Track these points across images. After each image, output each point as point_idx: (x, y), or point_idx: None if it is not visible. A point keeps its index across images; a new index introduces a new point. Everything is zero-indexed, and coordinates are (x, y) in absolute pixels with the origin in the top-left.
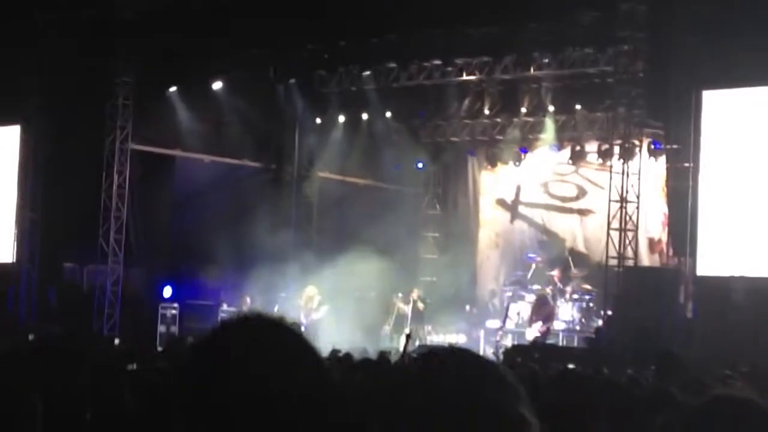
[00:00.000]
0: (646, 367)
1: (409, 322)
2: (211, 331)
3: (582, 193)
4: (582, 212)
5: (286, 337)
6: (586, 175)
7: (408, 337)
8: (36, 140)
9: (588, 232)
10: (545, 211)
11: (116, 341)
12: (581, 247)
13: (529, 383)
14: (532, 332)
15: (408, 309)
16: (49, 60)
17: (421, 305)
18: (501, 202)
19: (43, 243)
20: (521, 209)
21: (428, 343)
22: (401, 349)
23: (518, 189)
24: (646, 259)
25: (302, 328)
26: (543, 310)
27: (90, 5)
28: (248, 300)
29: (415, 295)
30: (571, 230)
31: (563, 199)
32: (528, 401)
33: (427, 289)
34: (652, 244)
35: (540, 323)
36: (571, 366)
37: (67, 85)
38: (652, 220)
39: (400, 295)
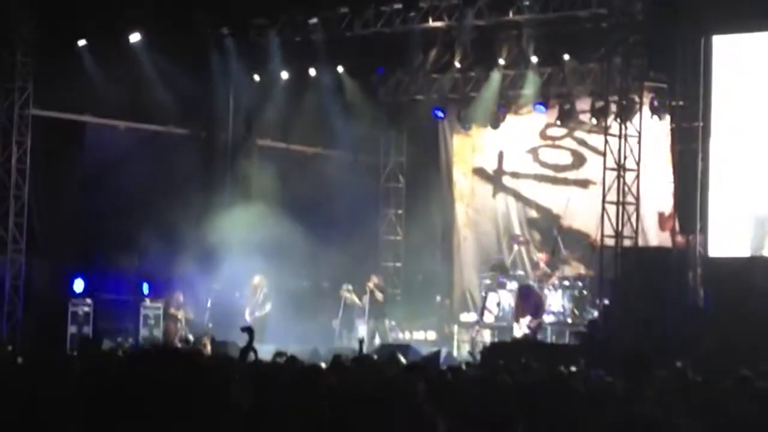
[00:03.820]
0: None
1: (366, 317)
2: None
3: (580, 160)
4: (580, 183)
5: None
6: (583, 139)
7: (361, 343)
8: None
9: (588, 208)
10: (536, 182)
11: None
12: (579, 225)
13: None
14: (521, 328)
15: (364, 300)
16: None
17: (380, 295)
18: (480, 172)
19: None
20: (505, 180)
21: (392, 341)
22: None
23: (501, 156)
24: (655, 239)
25: (249, 325)
26: (529, 302)
27: None
28: (180, 296)
29: (372, 283)
30: (567, 205)
31: (557, 168)
32: None
33: (390, 276)
34: (662, 220)
35: (529, 317)
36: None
37: None
38: (662, 192)
39: (348, 286)
